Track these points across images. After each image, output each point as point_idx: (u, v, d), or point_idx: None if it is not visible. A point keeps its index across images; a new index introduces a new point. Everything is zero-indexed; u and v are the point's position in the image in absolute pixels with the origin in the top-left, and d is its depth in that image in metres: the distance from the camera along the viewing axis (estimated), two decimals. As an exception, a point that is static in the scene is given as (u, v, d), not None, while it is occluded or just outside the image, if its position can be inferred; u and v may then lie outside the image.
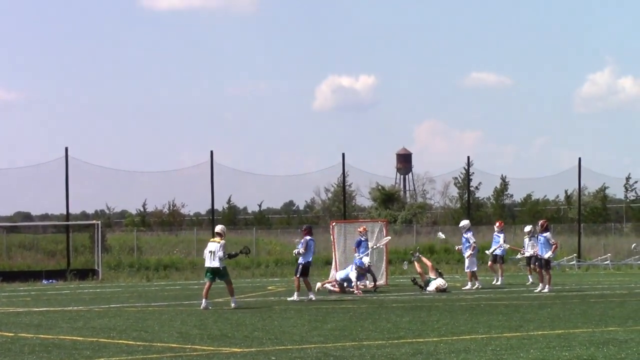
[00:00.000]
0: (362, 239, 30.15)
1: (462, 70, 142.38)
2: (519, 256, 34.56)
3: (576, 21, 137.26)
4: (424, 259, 30.96)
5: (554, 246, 28.73)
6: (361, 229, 30.67)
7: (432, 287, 29.05)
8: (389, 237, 32.99)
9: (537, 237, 33.62)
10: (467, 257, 31.03)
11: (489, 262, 33.89)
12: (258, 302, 25.50)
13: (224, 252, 23.55)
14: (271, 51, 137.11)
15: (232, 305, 23.38)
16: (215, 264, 23.50)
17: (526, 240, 33.56)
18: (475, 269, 31.11)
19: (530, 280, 32.87)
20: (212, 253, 23.53)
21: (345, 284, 28.89)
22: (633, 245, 35.00)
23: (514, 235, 50.35)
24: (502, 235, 33.83)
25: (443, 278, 29.74)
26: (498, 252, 33.54)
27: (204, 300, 23.38)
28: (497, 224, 34.61)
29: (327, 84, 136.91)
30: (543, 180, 62.78)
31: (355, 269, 28.67)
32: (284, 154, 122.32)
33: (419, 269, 30.24)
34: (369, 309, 22.81)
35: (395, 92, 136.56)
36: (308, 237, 26.14)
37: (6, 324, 19.83)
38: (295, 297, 25.59)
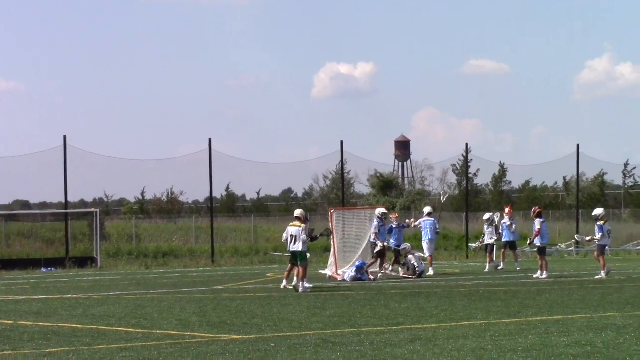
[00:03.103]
0: (394, 225, 30.34)
1: (460, 57, 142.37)
2: (477, 244, 34.38)
3: (574, 8, 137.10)
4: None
5: (535, 233, 28.80)
6: (393, 215, 31.02)
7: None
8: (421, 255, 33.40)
9: (498, 224, 33.23)
10: (429, 241, 31.45)
11: (502, 250, 33.41)
12: (257, 289, 25.51)
13: (307, 235, 24.12)
14: (269, 39, 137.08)
15: (300, 289, 23.78)
16: (299, 247, 24.03)
17: (485, 227, 33.44)
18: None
19: (488, 268, 32.57)
20: (294, 237, 24.03)
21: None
22: (576, 236, 34.89)
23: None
24: (512, 223, 33.36)
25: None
26: (510, 238, 33.09)
27: (285, 280, 24.77)
28: (507, 210, 33.58)
29: (326, 71, 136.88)
30: (541, 167, 62.80)
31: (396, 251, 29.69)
32: (283, 141, 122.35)
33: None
34: (367, 295, 22.83)
35: (394, 79, 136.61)
36: None
37: (5, 312, 19.85)
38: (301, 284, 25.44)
